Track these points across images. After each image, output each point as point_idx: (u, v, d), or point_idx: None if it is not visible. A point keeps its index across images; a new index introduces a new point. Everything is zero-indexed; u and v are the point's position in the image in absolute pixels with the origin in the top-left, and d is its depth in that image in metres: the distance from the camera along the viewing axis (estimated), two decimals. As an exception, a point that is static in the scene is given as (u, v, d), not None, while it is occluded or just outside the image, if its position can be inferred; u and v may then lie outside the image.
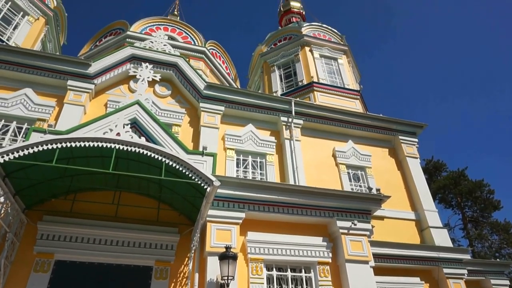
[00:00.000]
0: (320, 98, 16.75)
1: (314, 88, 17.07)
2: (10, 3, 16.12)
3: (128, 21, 18.59)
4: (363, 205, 9.82)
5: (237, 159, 12.76)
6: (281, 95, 17.34)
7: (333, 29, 21.57)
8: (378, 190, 10.35)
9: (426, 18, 76.53)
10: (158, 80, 10.92)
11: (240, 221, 8.82)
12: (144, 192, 8.87)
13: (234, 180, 9.01)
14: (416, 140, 15.54)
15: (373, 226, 10.13)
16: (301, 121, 14.14)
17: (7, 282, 7.39)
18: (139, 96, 9.92)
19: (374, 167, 14.32)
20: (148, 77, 10.62)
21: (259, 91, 19.41)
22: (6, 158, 6.57)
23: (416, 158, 15.02)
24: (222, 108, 13.25)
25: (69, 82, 12.10)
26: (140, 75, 10.60)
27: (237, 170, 12.48)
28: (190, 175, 7.36)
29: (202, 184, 7.32)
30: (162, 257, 8.43)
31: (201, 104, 13.02)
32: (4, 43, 14.60)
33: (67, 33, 20.86)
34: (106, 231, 8.32)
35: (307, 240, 9.18)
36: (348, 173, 13.93)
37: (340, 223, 9.40)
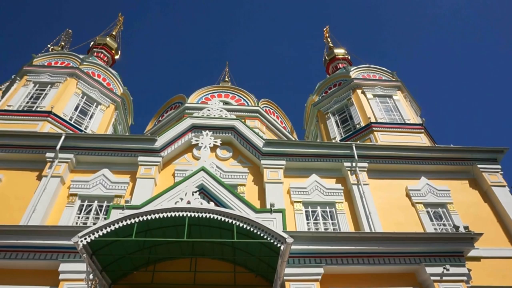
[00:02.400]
0: (382, 138, 16.19)
1: (373, 128, 16.62)
2: (85, 97, 18.34)
3: (185, 94, 20.12)
4: (453, 247, 8.89)
5: (305, 211, 12.45)
6: (340, 141, 17.09)
7: (381, 67, 21.37)
8: (466, 227, 9.35)
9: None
10: (219, 144, 11.39)
11: (319, 277, 8.38)
12: (219, 257, 8.89)
13: (307, 234, 8.75)
14: (499, 166, 14.12)
15: (469, 270, 9.02)
16: (365, 164, 13.65)
17: None
18: (203, 162, 10.35)
19: (456, 202, 13.10)
20: (210, 143, 11.13)
21: (317, 140, 19.34)
22: (92, 237, 7.07)
23: (504, 186, 13.53)
24: (283, 162, 13.30)
25: (140, 158, 13.06)
26: (202, 143, 11.17)
27: (307, 223, 12.11)
28: (261, 234, 7.30)
29: (275, 243, 7.18)
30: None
31: (262, 161, 13.21)
32: (83, 132, 16.39)
33: (133, 113, 23.00)
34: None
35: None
36: (428, 212, 12.86)
37: (430, 270, 8.52)
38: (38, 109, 16.43)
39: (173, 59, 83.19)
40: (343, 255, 8.72)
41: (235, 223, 7.37)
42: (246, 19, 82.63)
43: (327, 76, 23.39)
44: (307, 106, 22.39)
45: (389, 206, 12.73)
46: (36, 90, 17.69)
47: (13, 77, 19.60)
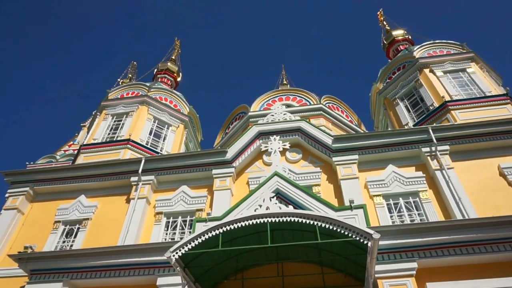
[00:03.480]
0: (461, 116, 14.93)
1: (449, 107, 15.39)
2: (157, 121, 19.63)
3: (247, 103, 20.53)
4: None
5: (387, 204, 11.88)
6: (413, 126, 16.10)
7: (448, 41, 19.77)
8: None
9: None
10: (288, 147, 11.39)
11: (413, 272, 7.90)
12: (304, 259, 8.82)
13: (394, 228, 8.31)
14: None
15: None
16: (446, 147, 12.66)
17: None
18: (275, 167, 10.43)
19: (563, 176, 11.55)
20: (278, 148, 11.20)
21: (389, 129, 18.43)
22: (183, 251, 7.47)
23: None
24: (356, 156, 12.87)
25: (214, 171, 13.57)
26: (271, 148, 11.28)
27: (391, 216, 11.54)
28: (345, 232, 7.12)
29: (361, 240, 6.95)
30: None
31: (334, 158, 12.92)
32: (160, 154, 17.50)
33: (201, 130, 24.06)
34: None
35: (508, 283, 7.57)
36: (529, 190, 11.50)
37: (543, 254, 7.58)
38: (118, 138, 17.93)
39: (229, 71, 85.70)
40: (437, 246, 8.14)
41: (317, 224, 7.28)
42: (294, 18, 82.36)
43: (389, 61, 22.28)
44: (371, 95, 21.52)
45: (481, 189, 11.64)
46: (114, 121, 19.34)
47: (93, 113, 21.69)
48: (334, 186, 12.67)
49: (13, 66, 76.16)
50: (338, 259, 8.29)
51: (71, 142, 31.78)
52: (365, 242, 6.89)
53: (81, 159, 17.00)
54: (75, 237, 13.46)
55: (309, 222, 7.33)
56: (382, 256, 8.04)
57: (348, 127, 19.29)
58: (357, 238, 6.99)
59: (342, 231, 7.11)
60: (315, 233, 7.44)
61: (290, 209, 7.77)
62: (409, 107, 17.68)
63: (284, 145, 11.23)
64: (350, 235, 7.05)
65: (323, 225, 7.29)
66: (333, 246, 7.97)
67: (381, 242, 7.55)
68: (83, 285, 9.61)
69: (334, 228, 7.18)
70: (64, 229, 13.88)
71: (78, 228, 13.67)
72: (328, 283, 8.57)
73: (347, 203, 10.52)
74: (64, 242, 13.51)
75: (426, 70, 17.77)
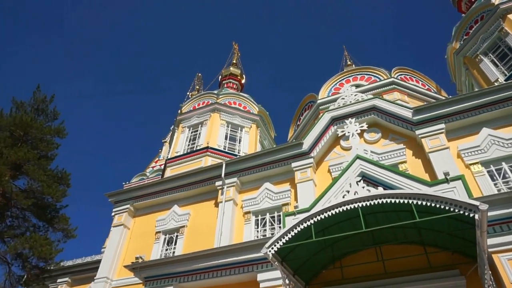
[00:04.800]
0: None
1: (547, 52, 13.46)
2: (230, 125, 20.30)
3: (314, 92, 20.19)
4: None
5: (488, 171, 10.76)
6: (505, 80, 14.37)
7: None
8: None
9: None
10: (366, 128, 10.94)
11: (535, 241, 7.04)
12: (403, 241, 8.38)
13: (502, 196, 7.50)
14: None
15: None
16: (552, 97, 11.06)
17: None
18: (356, 150, 10.08)
19: None
20: (356, 130, 10.81)
21: (475, 90, 16.73)
22: (278, 245, 7.59)
23: None
24: (442, 125, 11.88)
25: (293, 164, 13.57)
26: (347, 132, 10.94)
27: (495, 184, 10.42)
28: (446, 207, 6.59)
29: (466, 213, 6.38)
30: (456, 306, 7.42)
31: (417, 132, 12.08)
32: (238, 156, 18.05)
33: (273, 126, 24.28)
34: (383, 291, 8.09)
35: None
36: None
37: None
38: (198, 147, 18.91)
39: (291, 63, 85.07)
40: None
41: (412, 202, 6.86)
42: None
43: (462, 15, 20.19)
44: (448, 57, 19.75)
45: None
46: (191, 132, 20.44)
47: (171, 128, 23.20)
48: (422, 160, 11.84)
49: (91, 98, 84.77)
50: (442, 236, 7.72)
51: (157, 159, 34.35)
52: (471, 215, 6.31)
53: (168, 172, 18.26)
54: (175, 244, 14.51)
55: (404, 202, 6.95)
56: (493, 228, 7.32)
57: (427, 97, 17.92)
58: (461, 212, 6.43)
59: (442, 207, 6.60)
60: (411, 212, 7.03)
61: (380, 190, 7.43)
62: (496, 61, 15.85)
63: (361, 127, 10.82)
64: (451, 209, 6.52)
65: (419, 202, 6.85)
66: (433, 224, 7.45)
67: (490, 213, 6.87)
68: (191, 286, 10.31)
69: (433, 205, 6.70)
70: (165, 238, 15.04)
71: (177, 236, 14.71)
72: (434, 263, 8.04)
73: (440, 177, 9.78)
74: (166, 250, 14.64)
75: (511, 16, 15.74)
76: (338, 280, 8.68)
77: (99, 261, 16.40)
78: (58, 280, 21.18)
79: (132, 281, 13.52)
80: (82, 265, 21.16)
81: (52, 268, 18.96)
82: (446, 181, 8.26)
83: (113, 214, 16.56)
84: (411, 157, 12.15)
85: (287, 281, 7.96)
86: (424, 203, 6.77)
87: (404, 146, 12.43)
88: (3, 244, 18.76)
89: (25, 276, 18.18)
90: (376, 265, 8.51)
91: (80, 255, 25.15)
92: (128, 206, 16.35)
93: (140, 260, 11.08)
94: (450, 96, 13.30)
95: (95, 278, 14.72)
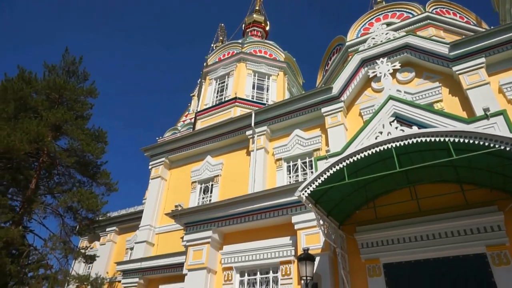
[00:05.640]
0: None
1: None
2: (257, 74, 20.02)
3: (342, 34, 19.30)
4: None
5: (531, 106, 10.20)
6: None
7: None
8: None
9: None
10: (399, 67, 10.47)
11: None
12: (438, 179, 8.31)
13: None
14: None
15: None
16: None
17: (353, 286, 8.36)
18: (388, 91, 9.75)
19: None
20: (388, 70, 10.37)
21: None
22: (311, 188, 7.73)
23: None
24: (482, 59, 11.17)
25: (323, 110, 13.41)
26: (379, 73, 10.52)
27: (538, 119, 9.89)
28: (485, 143, 6.38)
29: (507, 148, 6.16)
30: (492, 240, 7.44)
31: (455, 68, 11.45)
32: (267, 105, 17.98)
33: (301, 72, 23.73)
34: (417, 228, 8.19)
35: None
36: None
37: None
38: (226, 98, 18.95)
39: (315, 5, 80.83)
40: None
41: (449, 139, 6.67)
42: None
43: None
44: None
45: None
46: (219, 84, 20.40)
47: (199, 81, 23.22)
48: (459, 98, 11.35)
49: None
50: (480, 173, 7.57)
51: (187, 113, 34.90)
52: (513, 149, 6.09)
53: (199, 125, 18.59)
54: (211, 192, 15.14)
55: (440, 140, 6.77)
56: (535, 162, 7.04)
57: (465, 30, 16.72)
58: (502, 148, 6.22)
59: (481, 143, 6.39)
60: (448, 151, 6.88)
61: (415, 130, 7.26)
62: (546, -16, 14.34)
63: (394, 66, 10.35)
64: (491, 145, 6.30)
65: (456, 139, 6.65)
66: (471, 161, 7.28)
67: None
68: (229, 230, 10.87)
69: (471, 141, 6.50)
70: (201, 187, 15.69)
71: (212, 185, 15.29)
72: (471, 199, 7.97)
73: (479, 114, 9.38)
74: (203, 198, 15.34)
75: None
76: (372, 219, 8.84)
77: (141, 211, 17.50)
78: (107, 229, 22.97)
79: (173, 227, 14.42)
80: (126, 215, 22.70)
81: (100, 219, 20.47)
82: (486, 117, 7.92)
83: (150, 167, 17.32)
84: (447, 95, 11.67)
85: (321, 222, 8.20)
86: (461, 140, 6.57)
87: (440, 84, 11.90)
88: (54, 199, 20.30)
89: (77, 227, 19.79)
90: (410, 204, 8.56)
91: (124, 207, 26.89)
92: (163, 159, 16.99)
93: (179, 208, 11.70)
94: (491, 27, 12.34)
95: (139, 226, 15.80)
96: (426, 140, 6.90)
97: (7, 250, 17.02)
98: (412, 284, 7.97)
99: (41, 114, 19.44)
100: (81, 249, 19.82)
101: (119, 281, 17.24)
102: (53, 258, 19.20)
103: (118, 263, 14.93)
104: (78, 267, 21.99)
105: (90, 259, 19.27)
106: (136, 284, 13.70)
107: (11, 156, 17.35)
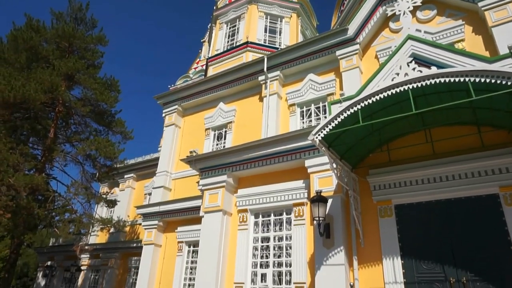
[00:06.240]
0: None
1: None
2: (269, 16, 19.20)
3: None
4: None
5: (560, 43, 9.61)
6: None
7: None
8: None
9: None
10: (420, 4, 9.84)
11: None
12: (455, 121, 8.14)
13: None
14: None
15: None
16: None
17: (364, 226, 8.65)
18: (407, 30, 9.26)
19: None
20: (408, 8, 9.76)
21: None
22: (324, 132, 7.70)
23: None
24: (511, -10, 10.39)
25: (338, 52, 12.96)
26: (398, 11, 9.92)
27: None
28: (508, 83, 6.12)
29: (531, 87, 5.91)
30: (506, 181, 7.43)
31: (480, 3, 10.64)
32: (279, 49, 17.46)
33: (315, 14, 22.66)
34: (430, 170, 8.19)
35: None
36: None
37: None
38: (237, 43, 18.42)
39: None
40: None
41: (469, 79, 6.41)
42: None
43: None
44: None
45: None
46: (230, 28, 19.73)
47: (209, 26, 22.48)
48: (483, 37, 10.75)
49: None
50: (499, 115, 7.37)
51: (198, 59, 34.29)
52: (536, 88, 5.84)
53: (211, 71, 18.31)
54: (224, 139, 15.30)
55: (459, 80, 6.51)
56: (558, 102, 6.79)
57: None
58: (525, 86, 5.97)
59: (504, 82, 6.13)
60: (467, 91, 6.65)
61: (433, 70, 6.98)
62: None
63: (415, 2, 9.71)
64: (514, 84, 6.05)
65: (476, 79, 6.38)
66: (492, 102, 7.05)
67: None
68: (243, 174, 11.12)
69: (492, 81, 6.23)
70: (214, 134, 15.84)
71: (225, 131, 15.41)
72: (487, 142, 7.85)
73: (503, 52, 8.93)
74: (217, 144, 15.54)
75: None
76: (385, 162, 8.87)
77: (157, 159, 17.95)
78: (125, 176, 23.81)
79: (189, 173, 14.82)
80: (143, 162, 23.37)
81: (118, 166, 21.17)
82: (511, 55, 7.54)
83: (163, 115, 17.44)
84: (470, 34, 11.06)
85: (334, 165, 8.26)
86: (482, 80, 6.30)
87: (463, 22, 11.24)
88: (73, 147, 20.93)
89: (97, 174, 20.59)
90: (424, 146, 8.50)
91: (141, 155, 27.61)
92: (176, 106, 17.03)
93: (194, 154, 11.93)
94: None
95: (156, 172, 16.27)
96: (445, 80, 6.66)
97: (33, 195, 17.96)
98: (423, 224, 8.16)
99: (52, 64, 19.43)
100: (102, 194, 20.76)
101: (140, 224, 18.22)
102: (76, 203, 20.17)
103: (138, 207, 15.62)
104: (101, 211, 23.21)
105: (111, 203, 20.27)
106: (156, 226, 14.42)
107: (28, 106, 17.66)
